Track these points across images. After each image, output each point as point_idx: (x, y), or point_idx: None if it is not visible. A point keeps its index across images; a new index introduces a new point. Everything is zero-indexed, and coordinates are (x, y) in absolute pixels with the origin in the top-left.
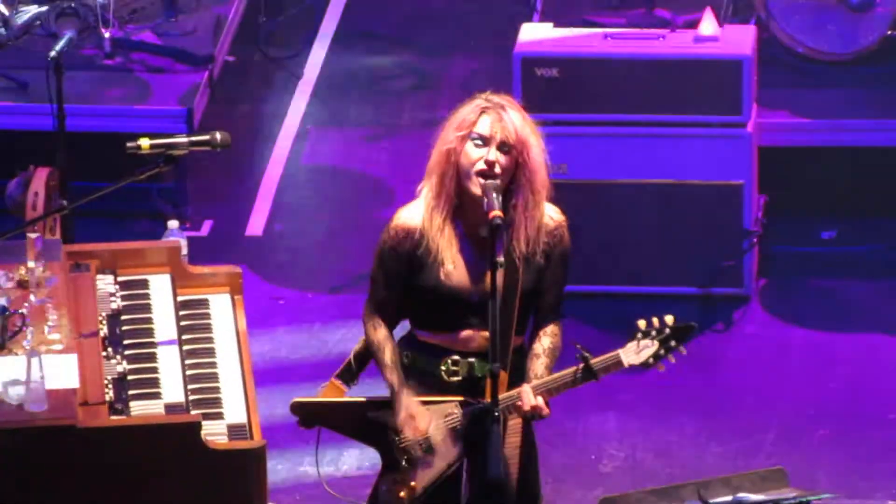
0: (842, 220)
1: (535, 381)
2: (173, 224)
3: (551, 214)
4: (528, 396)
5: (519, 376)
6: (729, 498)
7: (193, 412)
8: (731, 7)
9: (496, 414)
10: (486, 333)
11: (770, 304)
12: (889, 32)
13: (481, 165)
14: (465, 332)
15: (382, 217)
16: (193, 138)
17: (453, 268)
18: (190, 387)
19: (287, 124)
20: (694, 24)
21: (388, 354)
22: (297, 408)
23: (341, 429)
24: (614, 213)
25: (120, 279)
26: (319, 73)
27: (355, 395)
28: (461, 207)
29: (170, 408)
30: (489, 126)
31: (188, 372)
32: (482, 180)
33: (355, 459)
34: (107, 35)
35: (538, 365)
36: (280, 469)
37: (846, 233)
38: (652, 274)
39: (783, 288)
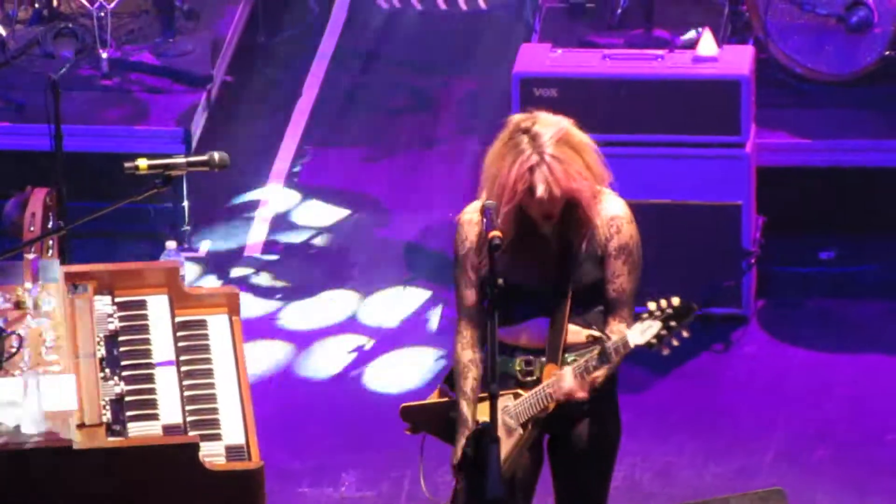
0: (840, 240)
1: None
2: (171, 245)
3: (611, 208)
4: (569, 378)
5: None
6: None
7: (191, 433)
8: (730, 27)
9: (495, 434)
10: (548, 327)
11: (769, 325)
12: (887, 53)
13: (539, 216)
14: (526, 325)
15: (381, 236)
16: (191, 159)
17: (517, 259)
18: (188, 408)
19: (285, 144)
20: (692, 45)
21: (468, 382)
22: (404, 413)
23: (440, 432)
24: None
25: (118, 300)
26: (318, 93)
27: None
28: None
29: (167, 429)
30: (539, 184)
31: (186, 393)
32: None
33: (355, 480)
34: (104, 55)
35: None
36: (278, 489)
37: (844, 253)
38: (650, 294)
39: (782, 308)
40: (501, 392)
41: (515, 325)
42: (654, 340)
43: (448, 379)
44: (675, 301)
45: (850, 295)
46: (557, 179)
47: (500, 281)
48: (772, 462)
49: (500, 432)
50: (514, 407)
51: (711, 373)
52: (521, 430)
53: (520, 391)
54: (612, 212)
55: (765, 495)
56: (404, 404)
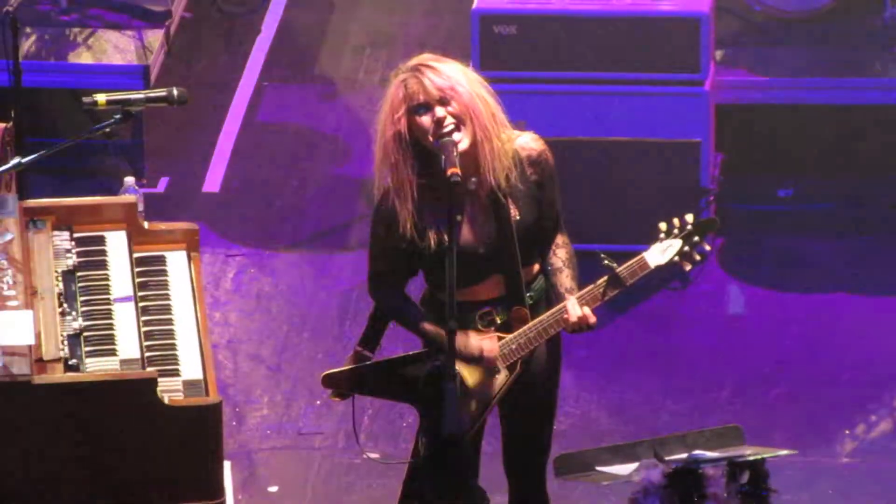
0: (798, 178)
1: (572, 296)
2: (129, 180)
3: (529, 143)
4: (574, 308)
5: (546, 303)
6: (684, 455)
7: (149, 369)
8: None
9: (453, 371)
10: (503, 277)
11: (727, 263)
12: None
13: (434, 128)
14: (483, 283)
15: (338, 174)
16: (150, 94)
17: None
18: (146, 343)
19: (244, 81)
20: None
21: (412, 314)
22: (328, 380)
23: (375, 392)
24: (571, 171)
25: (76, 236)
26: (277, 30)
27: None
28: (438, 171)
29: (125, 364)
30: (417, 92)
31: (144, 329)
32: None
33: (313, 415)
34: None
35: (564, 278)
36: (236, 424)
37: (802, 191)
38: (608, 232)
39: (740, 246)
40: (484, 335)
41: (470, 287)
42: (676, 258)
43: (364, 341)
44: (690, 217)
45: (808, 233)
46: (429, 76)
47: (459, 217)
48: (728, 399)
49: (481, 374)
50: (498, 349)
51: (669, 310)
52: (506, 373)
53: (502, 334)
54: (535, 146)
55: (722, 432)
56: (326, 372)
